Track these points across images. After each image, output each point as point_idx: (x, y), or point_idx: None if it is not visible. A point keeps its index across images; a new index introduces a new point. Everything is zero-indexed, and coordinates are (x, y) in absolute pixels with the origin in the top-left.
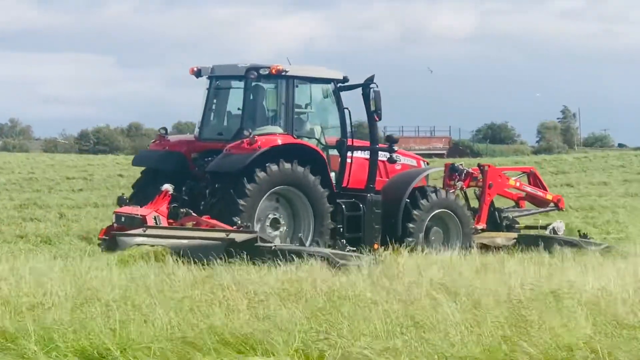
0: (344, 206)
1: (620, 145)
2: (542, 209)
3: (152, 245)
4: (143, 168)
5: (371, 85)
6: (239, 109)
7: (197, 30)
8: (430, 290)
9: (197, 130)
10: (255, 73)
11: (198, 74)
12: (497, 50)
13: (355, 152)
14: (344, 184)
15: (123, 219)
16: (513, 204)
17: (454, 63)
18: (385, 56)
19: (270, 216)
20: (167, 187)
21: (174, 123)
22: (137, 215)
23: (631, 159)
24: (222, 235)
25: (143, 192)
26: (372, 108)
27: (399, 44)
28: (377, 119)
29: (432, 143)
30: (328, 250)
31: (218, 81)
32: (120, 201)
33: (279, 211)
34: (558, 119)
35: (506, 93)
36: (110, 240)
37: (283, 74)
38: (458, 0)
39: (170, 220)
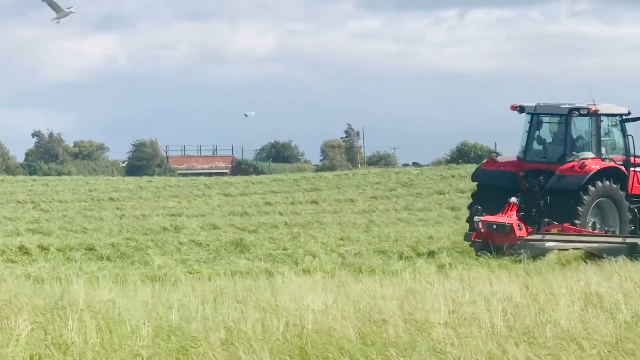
0: (636, 210)
1: (416, 164)
2: None
3: (566, 250)
4: (476, 183)
5: None
6: (561, 139)
7: None
8: None
9: (521, 153)
10: (577, 112)
11: (521, 110)
12: (296, 70)
13: (636, 168)
14: (629, 192)
15: (495, 227)
16: None
17: (253, 82)
18: (184, 76)
19: (591, 221)
20: (514, 199)
21: None
22: (506, 223)
23: (390, 176)
24: (620, 239)
25: (482, 203)
26: None
27: (198, 64)
28: None
29: (214, 162)
30: None
31: (540, 117)
32: (477, 212)
33: (595, 217)
34: (342, 137)
35: (295, 112)
36: (482, 243)
37: (597, 112)
38: (259, 21)
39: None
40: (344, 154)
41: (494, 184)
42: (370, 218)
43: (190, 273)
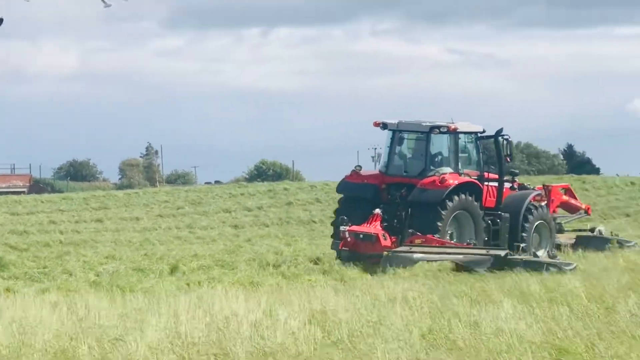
0: (490, 222)
1: (218, 182)
2: (575, 216)
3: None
4: (341, 195)
5: (504, 135)
6: (421, 154)
7: None
8: None
9: (383, 167)
10: (437, 130)
11: (384, 126)
12: (97, 88)
13: (489, 182)
14: (483, 205)
15: (361, 236)
16: None
17: (54, 100)
18: None
19: (449, 232)
20: (378, 211)
21: None
22: (372, 233)
23: (179, 194)
24: (484, 252)
25: (346, 214)
26: (506, 152)
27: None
28: (509, 161)
29: (12, 181)
30: (553, 260)
31: (401, 133)
32: (343, 222)
33: (453, 228)
34: (142, 156)
35: (96, 130)
36: (349, 252)
37: (456, 130)
38: (60, 39)
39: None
40: (142, 172)
41: (358, 196)
42: (148, 236)
43: None
